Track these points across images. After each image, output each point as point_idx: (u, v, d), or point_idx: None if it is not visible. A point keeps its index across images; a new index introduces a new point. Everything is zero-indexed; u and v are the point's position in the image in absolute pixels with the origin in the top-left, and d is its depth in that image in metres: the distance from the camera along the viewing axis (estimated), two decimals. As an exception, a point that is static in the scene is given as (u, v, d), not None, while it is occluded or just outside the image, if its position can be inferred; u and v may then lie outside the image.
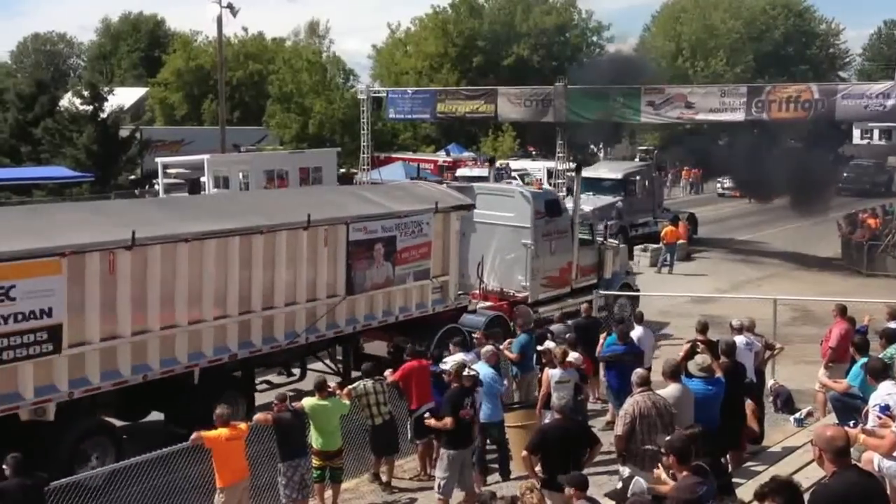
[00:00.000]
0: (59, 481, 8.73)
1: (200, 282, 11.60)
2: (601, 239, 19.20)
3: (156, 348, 11.25)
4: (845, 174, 43.61)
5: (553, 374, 11.24)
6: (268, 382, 13.63)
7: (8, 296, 9.66)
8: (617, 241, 20.57)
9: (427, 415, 10.66)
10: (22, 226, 10.95)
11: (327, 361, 14.49)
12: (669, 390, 8.63)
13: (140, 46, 75.96)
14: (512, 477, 10.83)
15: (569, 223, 17.94)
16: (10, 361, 9.79)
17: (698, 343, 10.77)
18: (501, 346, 12.82)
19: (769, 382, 12.76)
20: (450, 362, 11.67)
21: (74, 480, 8.99)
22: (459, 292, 15.63)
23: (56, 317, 10.04)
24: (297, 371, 14.04)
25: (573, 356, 11.67)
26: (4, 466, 8.25)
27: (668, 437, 7.07)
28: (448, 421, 9.97)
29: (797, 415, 12.27)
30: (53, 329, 10.04)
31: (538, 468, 8.26)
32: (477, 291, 16.58)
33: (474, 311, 15.78)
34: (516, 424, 11.23)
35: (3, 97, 41.87)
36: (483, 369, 11.00)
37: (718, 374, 9.34)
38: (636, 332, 12.76)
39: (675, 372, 8.81)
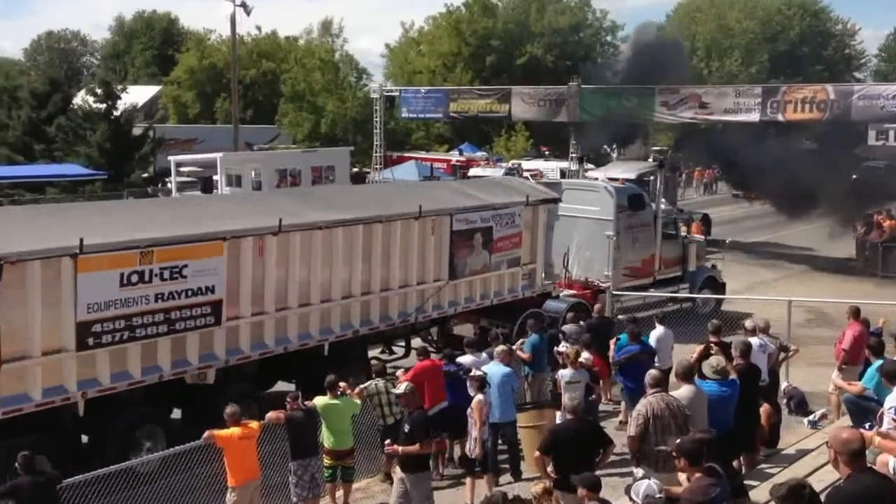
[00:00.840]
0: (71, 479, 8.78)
1: (330, 265, 12.97)
2: (685, 233, 20.34)
3: (294, 323, 12.63)
4: (854, 176, 43.26)
5: (563, 374, 11.25)
6: (377, 359, 14.75)
7: (181, 274, 11.04)
8: (701, 237, 21.93)
9: (388, 442, 10.08)
10: (187, 214, 12.74)
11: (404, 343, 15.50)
12: (682, 392, 8.62)
13: (153, 45, 76.25)
14: (523, 477, 10.82)
15: (652, 217, 18.97)
16: (181, 331, 11.18)
17: (712, 345, 10.75)
18: (514, 346, 12.83)
19: (783, 384, 12.71)
20: (464, 362, 11.73)
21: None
22: (546, 280, 16.75)
23: (218, 293, 11.43)
24: (398, 349, 15.42)
25: (585, 357, 11.67)
26: (17, 465, 8.32)
27: (678, 440, 7.06)
28: (415, 448, 9.43)
29: (811, 417, 12.24)
30: (215, 304, 11.44)
31: (550, 469, 8.25)
32: (562, 280, 17.80)
33: (557, 297, 16.90)
34: (528, 425, 11.23)
35: (17, 95, 42.09)
36: (496, 368, 11.01)
37: (732, 375, 9.32)
38: (656, 333, 12.77)
39: (688, 373, 8.79)
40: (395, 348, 15.56)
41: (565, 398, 10.92)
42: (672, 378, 9.35)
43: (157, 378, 11.12)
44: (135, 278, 10.63)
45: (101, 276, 10.34)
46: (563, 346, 12.06)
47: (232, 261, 11.63)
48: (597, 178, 24.32)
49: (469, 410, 10.41)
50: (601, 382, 12.22)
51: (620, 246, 18.20)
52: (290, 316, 12.55)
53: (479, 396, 10.36)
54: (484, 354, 11.98)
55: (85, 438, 11.18)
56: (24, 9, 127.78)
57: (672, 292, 18.58)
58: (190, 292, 11.13)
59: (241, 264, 11.79)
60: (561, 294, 17.15)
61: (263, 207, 13.50)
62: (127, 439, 11.11)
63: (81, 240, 10.13)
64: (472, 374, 10.76)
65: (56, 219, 11.79)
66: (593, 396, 11.81)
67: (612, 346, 12.69)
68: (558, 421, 10.84)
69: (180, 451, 9.70)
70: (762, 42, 64.38)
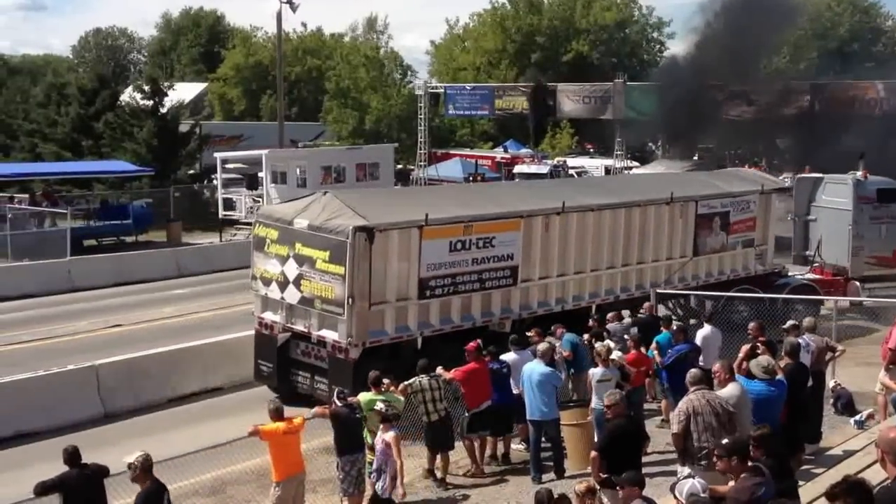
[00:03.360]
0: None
1: (598, 240, 15.90)
2: None
3: (570, 287, 15.63)
4: None
5: (594, 372, 11.27)
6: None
7: (491, 243, 14.21)
8: None
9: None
10: (493, 197, 16.20)
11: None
12: (726, 390, 8.61)
13: (200, 42, 77.40)
14: (566, 475, 10.86)
15: None
16: (488, 289, 14.31)
17: (758, 344, 10.69)
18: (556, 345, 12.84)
19: (830, 384, 12.58)
20: (508, 360, 11.79)
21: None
22: (776, 262, 19.33)
23: (515, 260, 14.57)
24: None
25: (616, 355, 11.67)
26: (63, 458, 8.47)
27: (723, 441, 7.06)
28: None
29: (857, 417, 12.09)
30: (513, 269, 14.59)
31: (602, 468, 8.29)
32: (817, 265, 19.73)
33: (785, 276, 19.17)
34: (571, 423, 11.27)
35: (66, 92, 42.94)
36: (538, 367, 11.06)
37: (779, 375, 9.27)
38: (703, 332, 12.69)
39: (732, 372, 8.78)
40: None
41: (594, 397, 10.99)
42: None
43: (471, 324, 14.05)
44: (459, 246, 13.90)
45: (437, 243, 13.62)
46: (598, 344, 12.06)
47: (526, 234, 14.73)
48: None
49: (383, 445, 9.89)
50: (630, 379, 12.08)
51: (865, 236, 19.51)
52: (567, 281, 15.59)
53: (391, 433, 9.81)
54: (528, 352, 12.02)
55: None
56: (73, 6, 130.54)
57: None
58: (496, 258, 14.31)
59: (532, 237, 14.86)
60: (793, 275, 19.22)
61: (548, 193, 16.91)
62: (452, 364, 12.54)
63: (427, 215, 13.42)
64: (379, 409, 10.16)
65: (405, 199, 16.27)
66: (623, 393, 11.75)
67: (655, 348, 12.57)
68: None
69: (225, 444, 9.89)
70: (811, 39, 63.23)
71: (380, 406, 10.12)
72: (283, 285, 13.84)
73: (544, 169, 33.45)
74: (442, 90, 42.37)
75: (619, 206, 16.28)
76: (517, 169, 35.02)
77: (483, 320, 14.22)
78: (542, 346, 11.48)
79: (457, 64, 58.93)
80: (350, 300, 12.85)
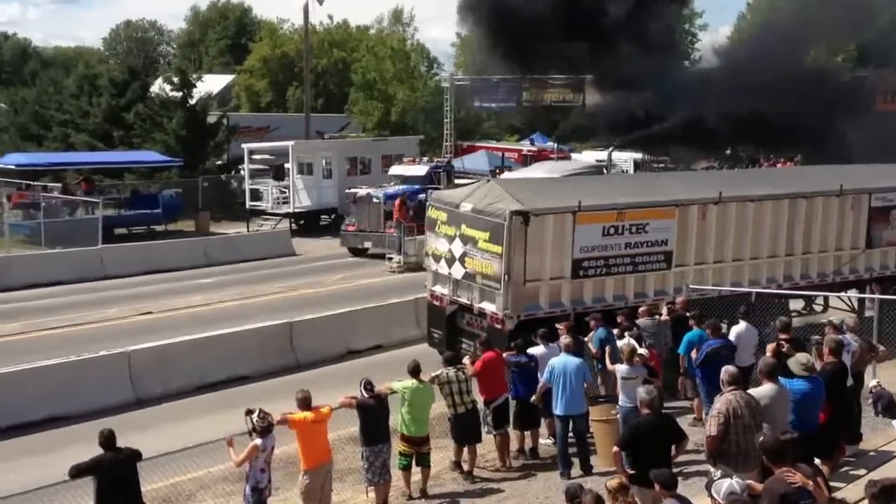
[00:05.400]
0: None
1: (759, 230, 16.22)
2: None
3: (728, 274, 16.04)
4: None
5: (620, 369, 11.08)
6: (798, 312, 17.08)
7: (644, 230, 14.96)
8: None
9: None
10: (648, 186, 17.07)
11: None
12: (764, 390, 8.38)
13: (227, 34, 77.70)
14: (594, 472, 10.71)
15: None
16: (643, 271, 15.09)
17: (782, 342, 10.46)
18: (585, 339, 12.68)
19: (870, 384, 12.28)
20: (536, 353, 11.66)
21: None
22: None
23: (669, 245, 15.25)
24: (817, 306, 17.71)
25: (642, 351, 11.48)
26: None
27: (761, 439, 6.90)
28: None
29: None
30: (667, 254, 15.30)
31: (627, 464, 8.14)
32: None
33: None
34: (601, 419, 11.12)
35: (97, 83, 43.23)
36: (565, 359, 10.91)
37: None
38: (737, 328, 12.40)
39: (772, 371, 8.54)
40: (814, 306, 17.95)
41: (621, 395, 10.84)
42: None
43: (623, 304, 14.54)
44: (612, 230, 14.68)
45: (590, 227, 14.51)
46: (622, 342, 11.86)
47: (681, 222, 15.33)
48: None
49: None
50: (657, 376, 11.87)
51: None
52: (725, 268, 15.98)
53: (258, 441, 9.01)
54: (555, 346, 11.85)
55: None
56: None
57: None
58: (649, 243, 15.03)
59: (687, 225, 15.45)
60: None
61: (705, 183, 17.92)
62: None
63: (580, 201, 14.34)
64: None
65: (565, 187, 16.97)
66: None
67: (689, 347, 12.30)
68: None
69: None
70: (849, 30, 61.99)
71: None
72: (450, 262, 15.28)
73: (422, 170, 29.27)
74: (468, 82, 42.10)
75: (782, 197, 16.51)
76: (393, 170, 30.52)
77: (636, 301, 14.68)
78: (563, 339, 11.33)
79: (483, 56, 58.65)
80: (506, 276, 13.99)
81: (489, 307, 14.55)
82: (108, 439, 8.48)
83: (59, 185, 32.57)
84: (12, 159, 33.32)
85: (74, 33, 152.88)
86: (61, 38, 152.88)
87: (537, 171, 28.31)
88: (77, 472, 8.33)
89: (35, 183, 31.98)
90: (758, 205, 16.22)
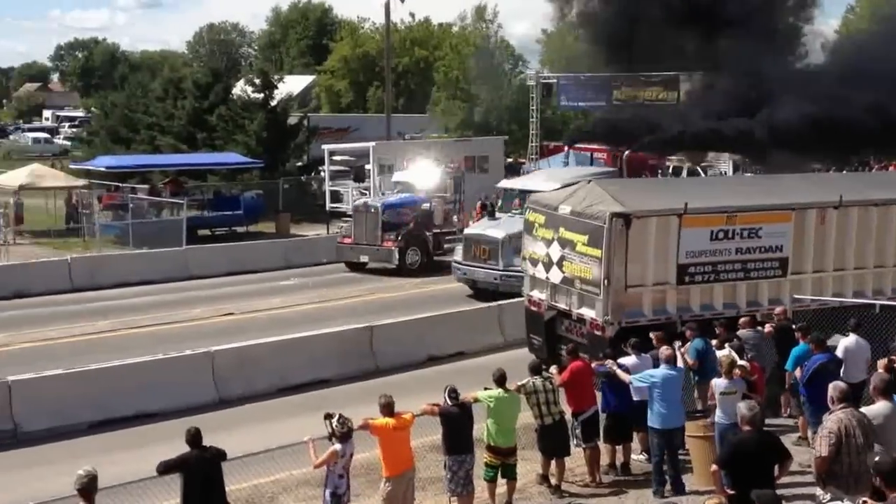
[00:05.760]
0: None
1: (885, 236, 15.58)
2: None
3: (849, 282, 15.49)
4: None
5: (717, 384, 10.78)
6: None
7: (757, 234, 14.55)
8: None
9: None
10: (762, 189, 16.57)
11: None
12: (877, 408, 8.03)
13: (308, 34, 79.09)
14: (687, 491, 10.44)
15: None
16: (755, 279, 14.64)
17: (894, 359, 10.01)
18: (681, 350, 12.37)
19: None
20: (627, 363, 11.45)
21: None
22: None
23: (785, 252, 14.79)
24: None
25: (742, 363, 11.13)
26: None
27: (876, 459, 6.60)
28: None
29: None
30: (782, 260, 14.82)
31: (726, 484, 7.89)
32: None
33: None
34: (697, 434, 10.85)
35: (182, 86, 44.51)
36: (666, 371, 10.68)
37: None
38: (846, 342, 11.92)
39: (887, 388, 8.17)
40: None
41: (719, 411, 10.56)
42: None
43: (735, 313, 14.07)
44: (721, 235, 14.35)
45: (697, 231, 14.23)
46: (721, 354, 11.52)
47: (797, 227, 14.88)
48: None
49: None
50: (757, 390, 11.47)
51: None
52: (847, 276, 15.43)
53: (337, 446, 9.13)
54: (648, 356, 11.63)
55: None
56: (188, 2, 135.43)
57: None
58: (762, 249, 14.60)
59: (804, 230, 14.96)
60: None
61: (823, 185, 17.40)
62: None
63: (686, 204, 14.06)
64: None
65: (669, 189, 16.89)
66: None
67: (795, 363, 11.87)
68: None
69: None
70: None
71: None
72: (548, 266, 15.22)
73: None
74: (554, 80, 41.71)
75: None
76: (396, 177, 28.72)
77: (748, 310, 14.34)
78: (663, 350, 11.08)
79: (570, 52, 58.09)
80: (606, 281, 13.83)
81: (588, 313, 14.43)
82: (194, 437, 8.73)
83: (147, 186, 33.69)
84: (103, 161, 34.75)
85: (160, 37, 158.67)
86: (148, 41, 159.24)
87: (538, 178, 24.82)
88: (165, 468, 8.62)
89: (123, 185, 33.18)
90: (882, 209, 15.52)
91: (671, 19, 30.31)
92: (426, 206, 25.90)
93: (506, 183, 25.77)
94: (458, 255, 22.69)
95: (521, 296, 16.72)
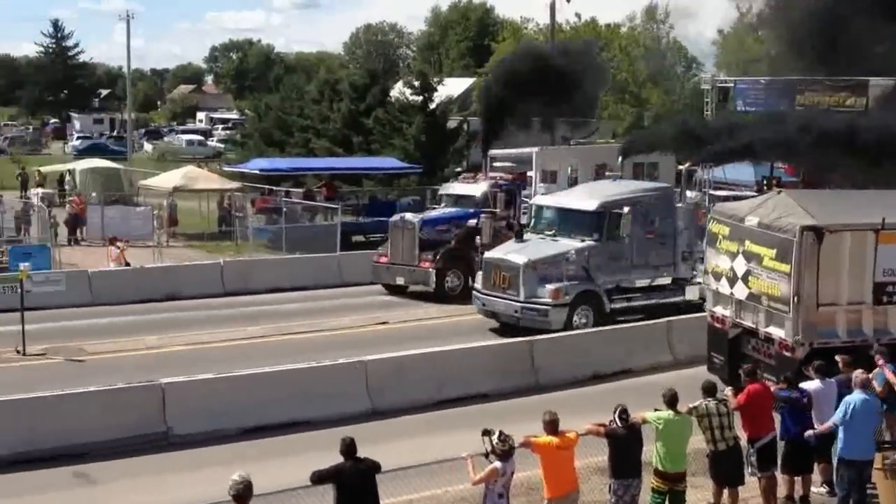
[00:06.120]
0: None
1: None
2: None
3: None
4: None
5: None
6: None
7: None
8: None
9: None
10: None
11: None
12: None
13: (468, 35, 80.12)
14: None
15: None
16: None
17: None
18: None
19: None
20: (809, 388, 11.13)
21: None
22: None
23: None
24: None
25: None
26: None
27: None
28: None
29: None
30: None
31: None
32: None
33: None
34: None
35: (338, 88, 45.94)
36: (860, 397, 10.36)
37: None
38: None
39: None
40: None
41: None
42: None
43: None
44: None
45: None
46: None
47: None
48: None
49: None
50: None
51: None
52: None
53: (497, 464, 9.23)
54: (833, 381, 11.30)
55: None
56: (345, 3, 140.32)
57: None
58: (892, 272, 14.05)
59: None
60: None
61: None
62: None
63: (884, 218, 13.77)
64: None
65: (862, 200, 16.24)
66: None
67: None
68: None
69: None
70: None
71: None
72: (732, 281, 15.11)
73: (477, 190, 25.18)
74: (731, 84, 40.68)
75: None
76: (444, 189, 27.65)
77: (888, 339, 13.84)
78: (857, 374, 10.69)
79: (749, 55, 56.41)
80: (795, 298, 13.67)
81: (777, 332, 14.19)
82: (349, 448, 8.91)
83: (301, 190, 35.00)
84: (256, 164, 36.42)
85: (316, 38, 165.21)
86: (303, 43, 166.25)
87: (579, 193, 22.95)
88: (318, 478, 8.80)
89: (277, 188, 34.66)
90: None
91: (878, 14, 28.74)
92: (472, 222, 23.94)
93: (540, 199, 23.41)
94: (479, 282, 20.79)
95: (659, 312, 16.71)
